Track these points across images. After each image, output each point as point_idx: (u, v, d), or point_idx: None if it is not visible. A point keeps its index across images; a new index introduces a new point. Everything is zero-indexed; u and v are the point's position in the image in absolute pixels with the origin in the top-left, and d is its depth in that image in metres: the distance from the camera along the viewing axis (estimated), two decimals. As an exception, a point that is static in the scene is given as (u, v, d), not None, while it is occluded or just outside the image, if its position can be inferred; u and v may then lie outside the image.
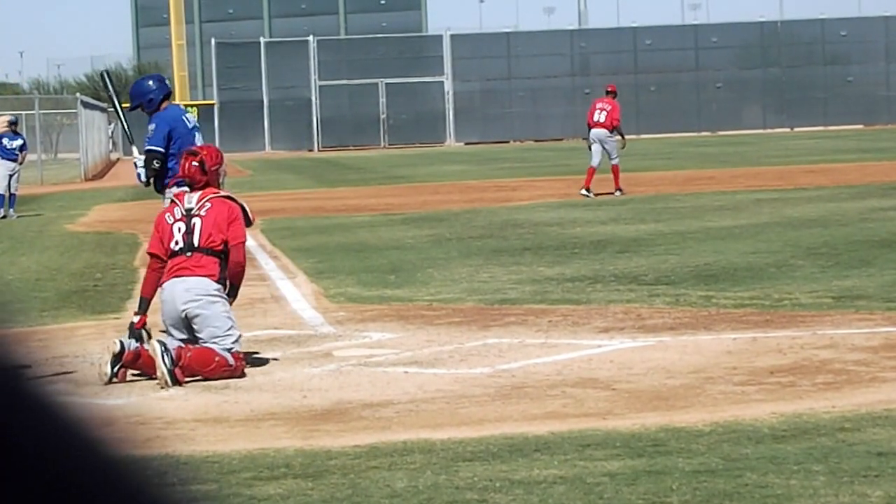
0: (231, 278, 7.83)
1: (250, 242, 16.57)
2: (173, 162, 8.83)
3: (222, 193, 7.89)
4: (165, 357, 7.40)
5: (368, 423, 6.41)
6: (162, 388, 7.39)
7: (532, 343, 8.43)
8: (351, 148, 57.57)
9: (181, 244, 7.76)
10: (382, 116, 60.24)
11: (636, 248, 13.83)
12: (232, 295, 7.89)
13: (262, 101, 59.53)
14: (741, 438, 5.75)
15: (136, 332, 7.89)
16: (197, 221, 7.74)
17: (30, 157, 40.87)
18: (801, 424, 5.98)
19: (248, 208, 8.03)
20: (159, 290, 7.79)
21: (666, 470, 5.25)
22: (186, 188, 7.97)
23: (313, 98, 59.96)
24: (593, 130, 21.59)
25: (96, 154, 45.39)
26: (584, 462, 5.44)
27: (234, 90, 59.70)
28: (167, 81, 9.23)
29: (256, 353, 8.49)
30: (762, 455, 5.44)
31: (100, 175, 41.66)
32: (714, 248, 13.47)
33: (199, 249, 7.71)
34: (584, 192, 21.33)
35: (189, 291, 7.63)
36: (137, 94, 9.20)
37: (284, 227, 18.51)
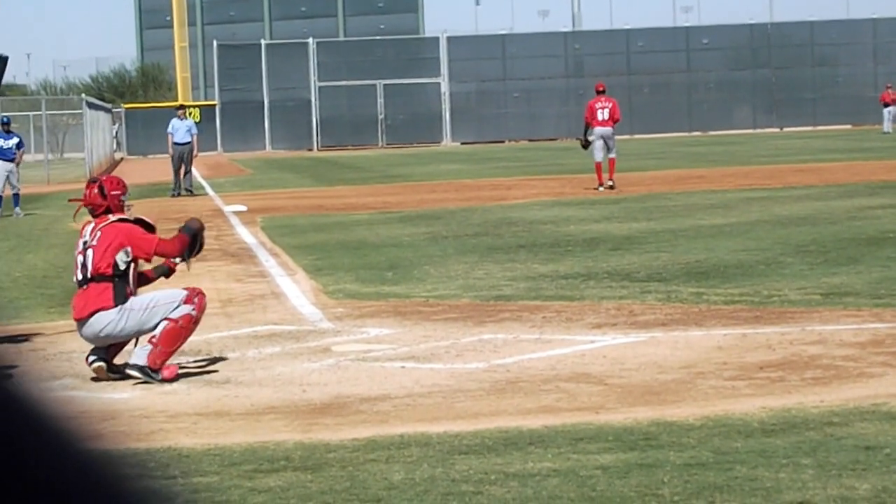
0: (179, 254, 7.85)
1: (251, 240, 16.75)
2: None
3: (113, 218, 7.89)
4: (151, 375, 7.55)
5: (366, 417, 6.48)
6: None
7: (526, 339, 8.51)
8: (349, 147, 57.58)
9: (79, 277, 7.88)
10: (380, 117, 60.26)
11: (628, 245, 13.93)
12: (193, 252, 7.93)
13: (263, 102, 59.53)
14: (731, 432, 5.82)
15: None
16: (90, 252, 7.82)
17: (37, 156, 40.72)
18: (790, 419, 6.05)
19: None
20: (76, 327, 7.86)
21: (657, 463, 5.31)
22: (90, 216, 8.02)
23: (313, 99, 59.96)
24: (598, 128, 22.36)
25: (101, 154, 45.42)
26: (578, 455, 5.50)
27: (235, 91, 59.70)
28: None
29: (257, 348, 8.61)
30: (752, 449, 5.50)
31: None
32: (705, 246, 13.56)
33: (91, 279, 7.78)
34: (602, 187, 22.34)
35: (102, 332, 7.67)
36: None
37: (284, 224, 18.58)
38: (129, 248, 7.76)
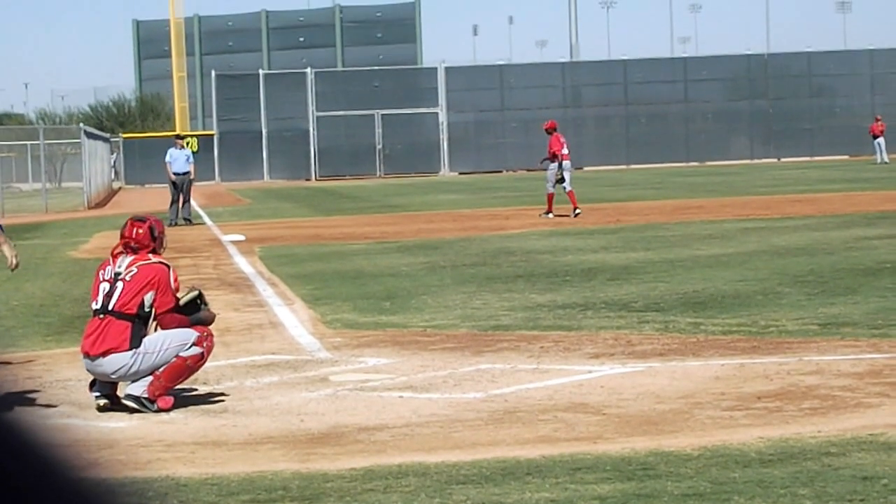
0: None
1: (249, 270, 16.76)
2: None
3: (154, 259, 7.91)
4: (147, 405, 7.56)
5: (364, 447, 6.49)
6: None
7: (524, 368, 8.52)
8: (347, 177, 57.68)
9: (99, 304, 7.80)
10: (378, 147, 60.40)
11: (626, 275, 13.95)
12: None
13: (261, 132, 59.66)
14: (729, 462, 5.83)
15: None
16: (120, 285, 7.77)
17: (35, 185, 40.60)
18: (788, 449, 6.06)
19: (204, 301, 8.00)
20: (82, 358, 7.85)
21: (655, 493, 5.32)
22: (125, 249, 8.00)
23: (311, 129, 60.10)
24: (567, 161, 24.53)
25: (99, 183, 45.50)
26: (575, 485, 5.51)
27: (233, 121, 59.86)
28: None
29: (255, 378, 8.61)
30: (749, 479, 5.51)
31: (102, 203, 41.74)
32: (702, 276, 13.57)
33: (111, 312, 7.72)
34: (552, 214, 24.28)
35: (114, 375, 7.68)
36: None
37: (282, 254, 18.60)
38: (155, 291, 7.77)
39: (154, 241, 8.01)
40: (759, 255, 15.69)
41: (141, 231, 8.00)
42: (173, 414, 7.53)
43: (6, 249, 8.64)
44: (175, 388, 7.80)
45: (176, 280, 7.90)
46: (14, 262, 8.72)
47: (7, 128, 57.62)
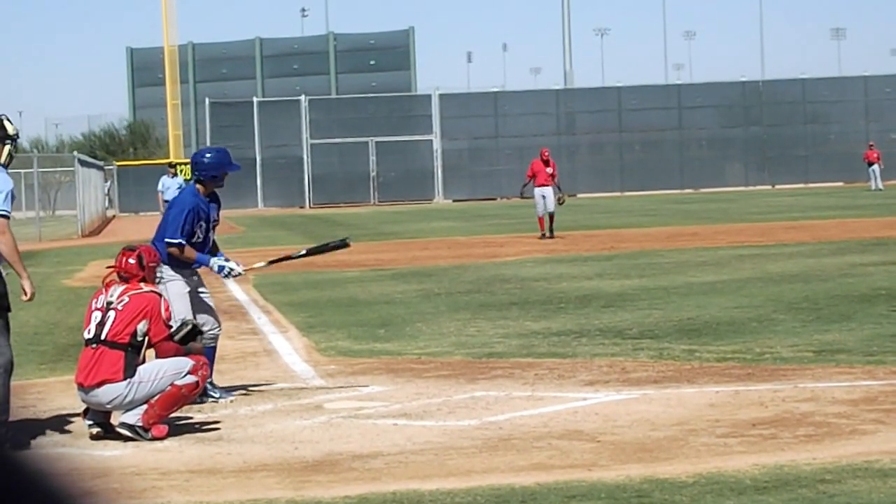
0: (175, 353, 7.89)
1: (243, 297, 16.75)
2: None
3: (146, 288, 7.92)
4: (141, 433, 7.56)
5: (358, 474, 6.48)
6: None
7: (519, 396, 8.53)
8: (342, 205, 57.75)
9: (91, 334, 7.81)
10: (372, 174, 60.51)
11: (621, 302, 13.96)
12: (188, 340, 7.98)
13: (255, 159, 59.75)
14: (724, 489, 5.82)
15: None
16: (112, 315, 7.78)
17: (29, 213, 40.63)
18: (783, 476, 6.06)
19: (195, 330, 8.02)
20: (76, 389, 7.86)
21: (650, 520, 5.35)
22: (118, 279, 8.02)
23: (305, 156, 60.21)
24: (542, 188, 26.16)
25: (93, 211, 45.49)
26: (570, 512, 5.55)
27: (227, 148, 59.91)
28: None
29: (249, 406, 8.61)
30: (744, 506, 5.53)
31: (96, 231, 41.72)
32: (697, 303, 13.59)
33: (104, 342, 7.73)
34: (546, 236, 25.82)
35: (110, 405, 7.69)
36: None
37: (276, 282, 18.59)
38: (148, 321, 7.78)
39: (143, 270, 8.02)
40: (754, 281, 15.71)
41: (131, 261, 8.03)
42: (168, 442, 7.52)
43: (26, 284, 8.63)
44: (169, 417, 7.79)
45: (167, 310, 7.91)
46: (30, 293, 8.68)
47: (1, 156, 57.56)
